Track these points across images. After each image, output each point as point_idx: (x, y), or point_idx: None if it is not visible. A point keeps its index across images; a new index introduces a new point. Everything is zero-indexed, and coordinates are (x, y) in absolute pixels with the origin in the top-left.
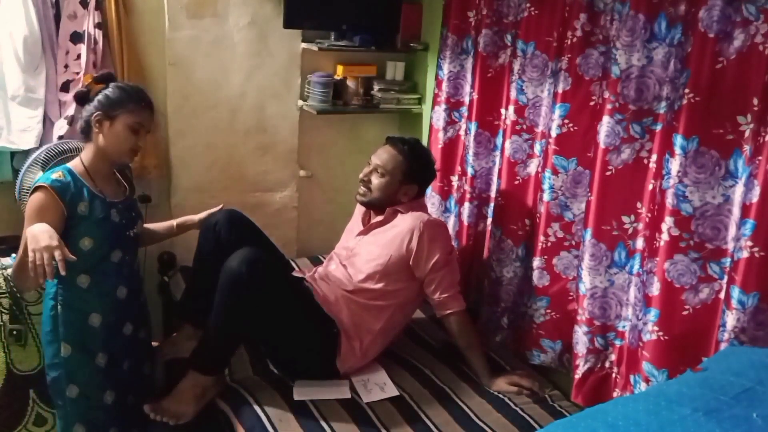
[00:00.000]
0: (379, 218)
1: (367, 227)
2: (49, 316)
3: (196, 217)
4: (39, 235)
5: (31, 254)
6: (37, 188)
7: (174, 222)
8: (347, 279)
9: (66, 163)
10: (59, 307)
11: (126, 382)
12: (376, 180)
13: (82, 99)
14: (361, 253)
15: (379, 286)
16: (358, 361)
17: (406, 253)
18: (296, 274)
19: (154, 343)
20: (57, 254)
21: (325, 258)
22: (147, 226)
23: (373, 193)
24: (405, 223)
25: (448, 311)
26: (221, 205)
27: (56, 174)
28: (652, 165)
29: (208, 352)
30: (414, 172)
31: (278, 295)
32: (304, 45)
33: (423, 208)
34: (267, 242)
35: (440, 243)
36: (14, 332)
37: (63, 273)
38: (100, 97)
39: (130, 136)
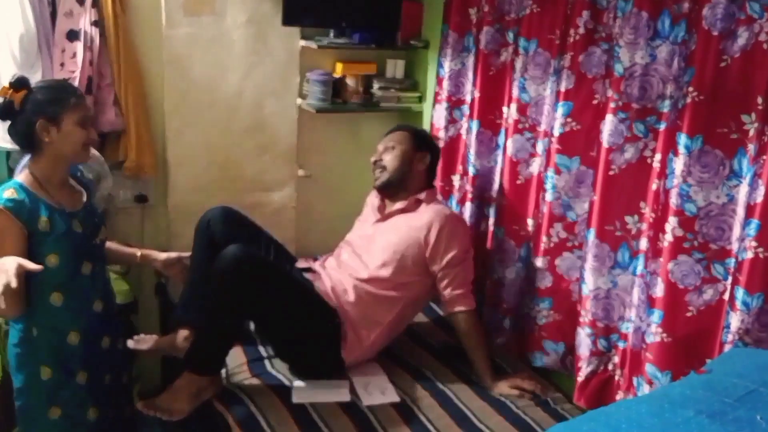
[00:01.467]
0: (400, 205)
1: (388, 213)
2: (21, 339)
3: (161, 255)
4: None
5: None
6: None
7: (138, 252)
8: (362, 267)
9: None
10: (34, 329)
11: (107, 396)
12: (388, 155)
13: (6, 112)
14: (378, 240)
15: (393, 275)
16: (365, 352)
17: (424, 244)
18: (301, 264)
19: (148, 338)
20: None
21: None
22: (110, 245)
23: (389, 167)
24: (426, 214)
25: (457, 309)
26: (189, 254)
27: (7, 192)
28: (656, 164)
29: (201, 352)
30: (422, 140)
31: (270, 291)
32: (302, 42)
33: (439, 200)
34: (265, 236)
35: (459, 239)
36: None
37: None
38: (32, 105)
39: (81, 132)
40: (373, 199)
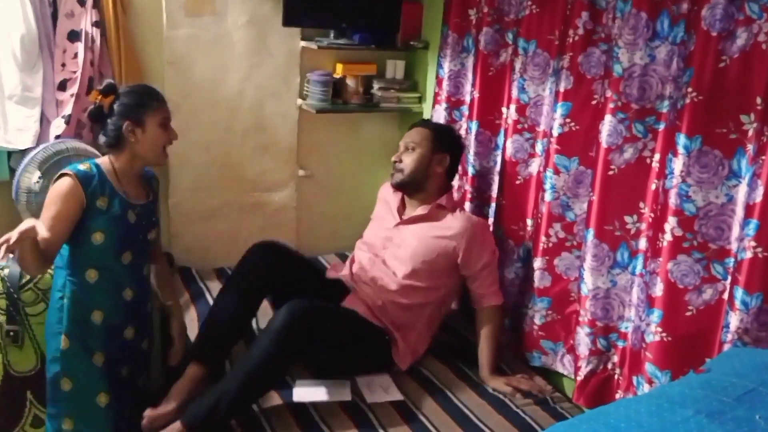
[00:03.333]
0: (422, 211)
1: (410, 219)
2: (55, 308)
3: (175, 331)
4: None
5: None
6: (62, 174)
7: (168, 301)
8: (390, 276)
9: (63, 162)
10: (65, 299)
11: (121, 388)
12: (407, 157)
13: (97, 116)
14: (403, 246)
15: (424, 282)
16: (410, 356)
17: (454, 253)
18: (330, 275)
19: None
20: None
21: (325, 258)
22: (162, 272)
23: (406, 170)
24: (455, 224)
25: (487, 304)
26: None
27: (84, 165)
28: (655, 164)
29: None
30: (443, 140)
31: (326, 339)
32: (303, 43)
33: (462, 207)
34: (305, 265)
35: (488, 244)
36: (11, 333)
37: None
38: (119, 107)
39: (163, 133)
40: (388, 195)
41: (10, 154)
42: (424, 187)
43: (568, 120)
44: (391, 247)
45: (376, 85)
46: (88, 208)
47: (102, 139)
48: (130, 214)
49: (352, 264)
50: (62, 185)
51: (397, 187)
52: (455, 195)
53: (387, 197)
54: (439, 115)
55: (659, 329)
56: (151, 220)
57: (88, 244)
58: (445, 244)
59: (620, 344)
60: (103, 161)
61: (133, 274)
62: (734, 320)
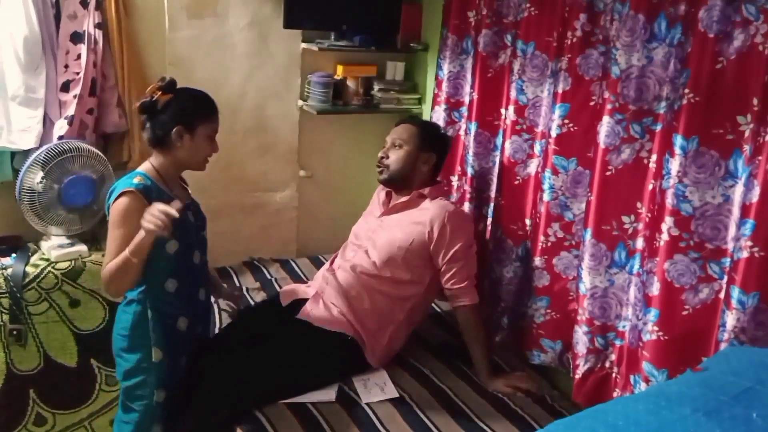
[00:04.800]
0: (404, 199)
1: (391, 207)
2: (134, 322)
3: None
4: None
5: (148, 222)
6: (122, 194)
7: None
8: (370, 264)
9: (66, 163)
10: (149, 312)
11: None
12: (393, 154)
13: (149, 109)
14: (382, 235)
15: (400, 271)
16: (385, 351)
17: (428, 240)
18: (285, 302)
19: None
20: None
21: (325, 258)
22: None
23: (392, 167)
24: (430, 209)
25: (459, 303)
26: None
27: (137, 179)
28: (652, 165)
29: None
30: (429, 138)
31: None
32: (304, 45)
33: (444, 196)
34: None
35: (463, 234)
36: (14, 332)
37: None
38: (174, 108)
39: (209, 145)
40: (380, 192)
41: (13, 154)
42: (409, 184)
43: (566, 121)
44: (373, 237)
45: (376, 87)
46: None
47: (147, 134)
48: (189, 215)
49: (335, 257)
50: (124, 204)
51: (383, 183)
52: (455, 195)
53: (379, 195)
54: (439, 116)
55: (656, 328)
56: (203, 216)
57: (163, 255)
58: (420, 230)
59: (618, 343)
60: (147, 169)
61: (203, 273)
62: (731, 319)
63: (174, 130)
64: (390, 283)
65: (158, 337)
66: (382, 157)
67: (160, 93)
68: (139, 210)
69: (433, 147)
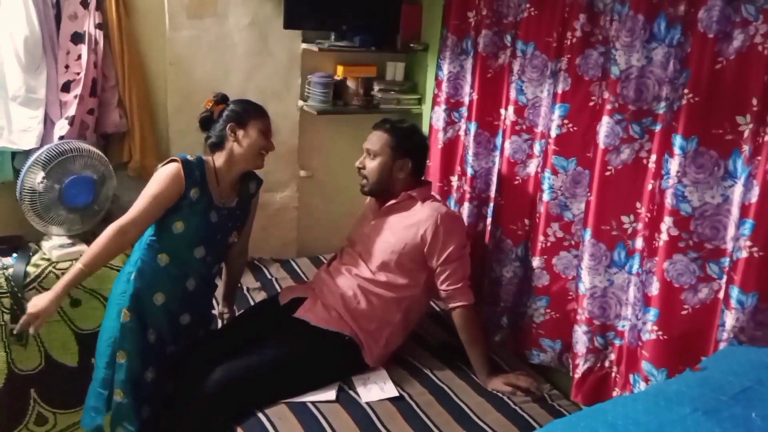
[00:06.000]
0: (393, 202)
1: (383, 210)
2: (123, 281)
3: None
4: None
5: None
6: (172, 160)
7: (225, 310)
8: (365, 269)
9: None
10: (134, 275)
11: (167, 366)
12: (369, 164)
13: (207, 121)
14: (376, 240)
15: (395, 275)
16: (383, 352)
17: (421, 242)
18: (283, 301)
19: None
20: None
21: (325, 258)
22: (234, 280)
23: (370, 178)
24: (422, 212)
25: (455, 304)
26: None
27: (191, 156)
28: (652, 165)
29: None
30: (402, 144)
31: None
32: (304, 45)
33: (434, 198)
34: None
35: (456, 236)
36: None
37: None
38: (228, 112)
39: (261, 139)
40: (372, 198)
41: (14, 154)
42: (392, 191)
43: (565, 121)
44: (367, 243)
45: (376, 87)
46: (183, 196)
47: (208, 140)
48: (212, 214)
49: (332, 260)
50: (169, 169)
51: (366, 195)
52: (454, 195)
53: (371, 199)
54: (439, 117)
55: (655, 328)
56: (236, 225)
57: (170, 230)
58: (413, 233)
59: (617, 342)
60: (208, 159)
61: (201, 268)
62: (730, 319)
63: (227, 126)
64: (386, 287)
65: (132, 300)
66: (360, 168)
67: (213, 104)
68: (174, 179)
69: (408, 152)
